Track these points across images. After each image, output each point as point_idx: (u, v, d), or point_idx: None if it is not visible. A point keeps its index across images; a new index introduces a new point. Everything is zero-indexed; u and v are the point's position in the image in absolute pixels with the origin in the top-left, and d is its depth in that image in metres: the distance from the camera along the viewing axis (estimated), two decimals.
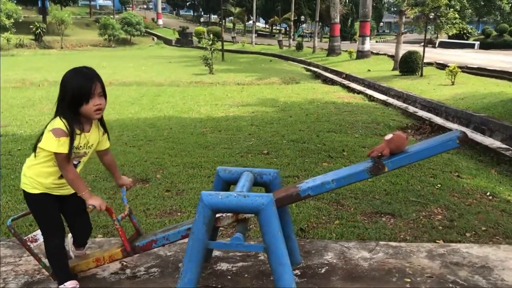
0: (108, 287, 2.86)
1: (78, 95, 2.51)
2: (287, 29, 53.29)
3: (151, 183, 5.35)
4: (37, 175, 2.61)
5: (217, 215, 2.67)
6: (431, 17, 16.17)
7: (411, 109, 10.67)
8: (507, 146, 6.93)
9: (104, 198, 4.75)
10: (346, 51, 27.73)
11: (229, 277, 2.95)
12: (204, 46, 21.97)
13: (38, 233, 2.86)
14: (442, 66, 17.55)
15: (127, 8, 69.69)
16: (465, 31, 35.95)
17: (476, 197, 4.90)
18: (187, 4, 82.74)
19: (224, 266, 3.08)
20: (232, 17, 55.01)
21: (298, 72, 23.03)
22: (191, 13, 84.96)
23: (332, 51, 29.55)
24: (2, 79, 17.35)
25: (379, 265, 3.08)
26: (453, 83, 13.68)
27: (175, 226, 2.85)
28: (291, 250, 3.02)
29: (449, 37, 37.28)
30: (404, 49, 18.89)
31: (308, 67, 25.58)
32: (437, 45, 34.77)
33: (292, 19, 42.93)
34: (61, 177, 2.63)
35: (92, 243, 3.53)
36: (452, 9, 16.44)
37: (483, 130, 8.55)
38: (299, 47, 36.29)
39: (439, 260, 3.15)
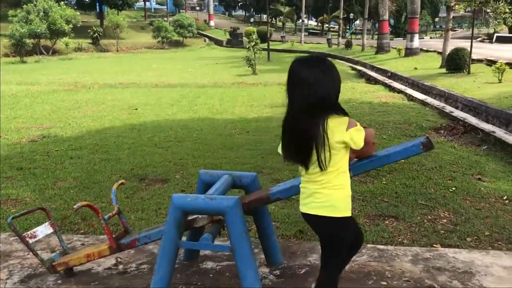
0: (99, 281, 3.09)
1: (339, 84, 2.22)
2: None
3: (169, 183, 5.60)
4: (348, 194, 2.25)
5: (194, 216, 2.83)
6: (487, 11, 15.56)
7: (448, 108, 10.36)
8: None
9: (122, 197, 5.08)
10: (395, 48, 27.10)
11: (211, 275, 3.10)
12: (247, 47, 22.24)
13: (37, 230, 3.13)
14: (492, 63, 16.83)
15: (181, 11, 71.39)
16: None
17: (490, 201, 4.76)
18: (239, 4, 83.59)
19: (209, 264, 3.24)
20: (281, 17, 55.10)
21: (343, 71, 22.74)
22: (244, 13, 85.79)
23: (381, 48, 28.92)
24: (56, 83, 18.42)
25: (359, 268, 3.13)
26: (500, 81, 13.10)
27: (158, 226, 3.04)
28: (271, 250, 3.15)
29: (509, 32, 35.47)
30: (456, 45, 18.26)
31: (354, 66, 25.23)
32: (494, 40, 33.21)
33: (341, 17, 42.37)
34: None
35: (96, 240, 3.79)
36: (502, 3, 15.66)
37: None
38: (348, 45, 35.78)
39: (422, 264, 3.14)
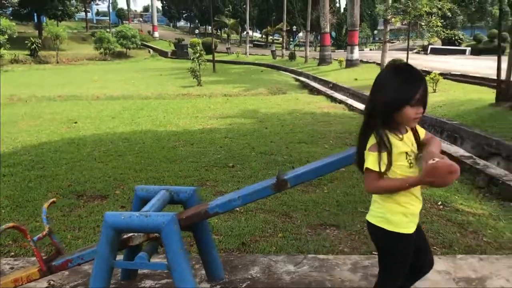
0: None
1: (399, 98, 2.02)
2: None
3: (109, 199, 5.41)
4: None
5: (129, 234, 2.73)
6: (422, 24, 16.35)
7: None
8: (470, 154, 6.98)
9: (58, 215, 4.85)
10: (337, 59, 27.86)
11: None
12: (192, 58, 22.15)
13: None
14: (427, 74, 17.64)
15: (124, 22, 70.14)
16: (456, 37, 36.14)
17: (426, 206, 4.94)
18: (184, 16, 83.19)
19: (148, 283, 3.13)
20: (226, 28, 55.36)
21: (286, 82, 23.16)
22: (188, 24, 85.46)
23: (323, 60, 29.67)
24: None
25: (300, 279, 3.13)
26: (434, 91, 13.74)
27: (92, 245, 2.91)
28: (212, 265, 3.09)
29: (442, 43, 37.52)
30: (394, 56, 19.04)
31: (298, 77, 25.69)
32: (428, 51, 34.99)
33: (285, 29, 43.16)
34: None
35: (27, 263, 3.59)
36: (434, 17, 16.51)
37: (455, 138, 8.60)
38: (292, 56, 36.47)
39: (361, 273, 3.19)
